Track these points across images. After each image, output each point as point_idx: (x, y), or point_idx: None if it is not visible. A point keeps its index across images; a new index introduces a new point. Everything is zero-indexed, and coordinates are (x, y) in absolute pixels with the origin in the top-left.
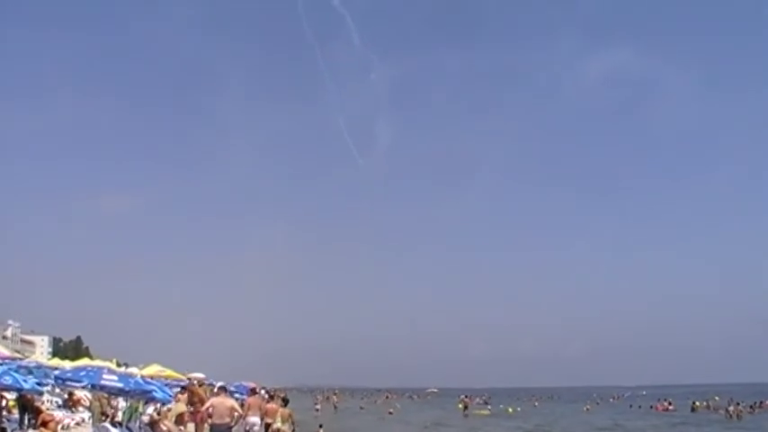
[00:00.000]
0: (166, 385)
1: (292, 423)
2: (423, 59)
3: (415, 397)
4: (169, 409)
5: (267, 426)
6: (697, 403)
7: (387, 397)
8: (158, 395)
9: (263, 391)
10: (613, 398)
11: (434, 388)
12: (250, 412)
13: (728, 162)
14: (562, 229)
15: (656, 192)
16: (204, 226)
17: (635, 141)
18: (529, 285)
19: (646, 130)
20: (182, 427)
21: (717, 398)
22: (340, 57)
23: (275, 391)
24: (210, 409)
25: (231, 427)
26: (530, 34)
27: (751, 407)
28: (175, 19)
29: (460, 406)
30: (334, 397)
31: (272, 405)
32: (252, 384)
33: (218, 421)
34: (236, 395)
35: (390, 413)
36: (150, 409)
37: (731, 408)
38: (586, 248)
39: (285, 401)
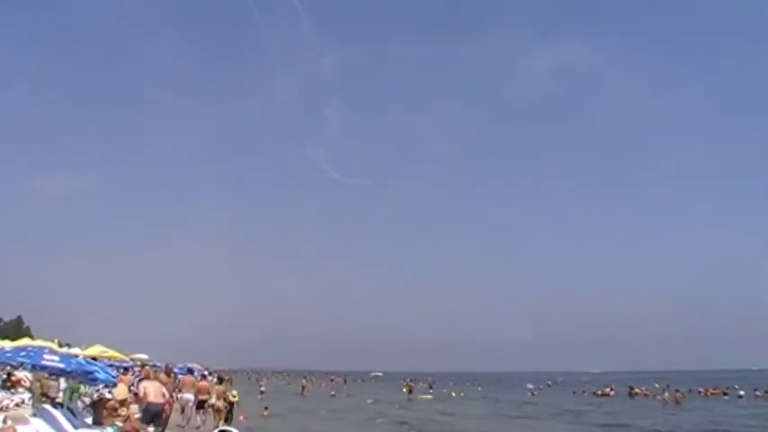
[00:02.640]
0: (110, 366)
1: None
2: (376, 47)
3: (360, 381)
4: (110, 391)
5: (202, 402)
6: (636, 389)
7: (332, 380)
8: (101, 376)
9: (196, 372)
10: (550, 383)
11: (379, 372)
12: (184, 389)
13: (671, 155)
14: (509, 216)
15: (602, 182)
16: (147, 209)
17: (583, 133)
18: (476, 272)
19: (593, 122)
20: (124, 409)
21: (656, 384)
22: (289, 42)
23: (218, 372)
24: (143, 391)
25: (164, 407)
26: (482, 27)
27: (677, 391)
28: (114, 8)
29: (405, 390)
30: (304, 381)
31: (204, 383)
32: (196, 366)
33: (154, 400)
34: (181, 376)
35: (333, 395)
36: (92, 390)
37: (667, 394)
38: (532, 234)
39: (220, 380)
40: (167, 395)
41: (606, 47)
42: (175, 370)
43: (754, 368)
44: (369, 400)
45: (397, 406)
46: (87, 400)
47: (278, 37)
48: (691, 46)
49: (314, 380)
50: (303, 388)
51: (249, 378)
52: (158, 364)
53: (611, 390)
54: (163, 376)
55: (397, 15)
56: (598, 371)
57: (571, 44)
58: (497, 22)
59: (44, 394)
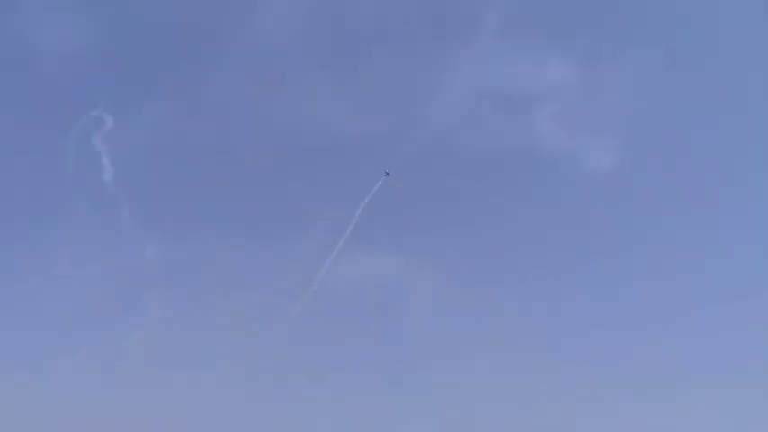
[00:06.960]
0: None
1: None
2: (196, 241)
3: None
4: None
5: None
6: None
7: None
8: None
9: None
10: None
11: None
12: None
13: (473, 356)
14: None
15: (407, 380)
16: None
17: (387, 338)
18: None
19: (399, 328)
20: None
21: None
22: (109, 230)
23: None
24: None
25: None
26: (290, 230)
27: None
28: None
29: None
30: None
31: None
32: None
33: None
34: None
35: None
36: None
37: None
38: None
39: None
40: None
41: (414, 249)
42: None
43: None
44: None
45: None
46: None
47: (97, 225)
48: (493, 246)
49: None
50: None
51: None
52: None
53: None
54: None
55: (220, 213)
56: None
57: (379, 249)
58: (302, 226)
59: None
